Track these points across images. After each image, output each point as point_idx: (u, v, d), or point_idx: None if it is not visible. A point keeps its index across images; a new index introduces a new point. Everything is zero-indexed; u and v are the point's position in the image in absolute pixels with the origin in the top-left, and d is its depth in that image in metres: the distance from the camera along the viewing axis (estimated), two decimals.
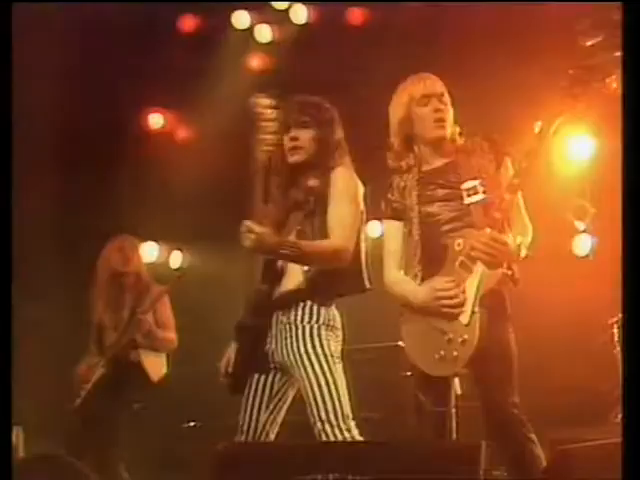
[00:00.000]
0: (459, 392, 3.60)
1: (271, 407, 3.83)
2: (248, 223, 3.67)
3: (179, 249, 7.60)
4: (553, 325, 5.93)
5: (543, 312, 5.69)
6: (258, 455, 3.06)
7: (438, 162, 3.82)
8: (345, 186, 3.81)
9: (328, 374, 3.70)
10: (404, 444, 3.05)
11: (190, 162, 7.05)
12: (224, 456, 2.97)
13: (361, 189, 3.87)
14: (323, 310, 3.78)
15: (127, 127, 7.14)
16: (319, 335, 3.74)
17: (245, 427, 3.82)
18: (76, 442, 5.41)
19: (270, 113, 3.82)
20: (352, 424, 3.69)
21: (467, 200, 3.69)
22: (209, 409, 6.16)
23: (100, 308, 5.76)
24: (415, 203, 3.77)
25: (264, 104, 3.84)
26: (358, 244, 3.84)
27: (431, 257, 3.71)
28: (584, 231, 6.53)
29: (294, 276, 3.79)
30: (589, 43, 5.74)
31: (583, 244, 6.57)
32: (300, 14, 6.88)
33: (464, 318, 3.56)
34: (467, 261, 3.58)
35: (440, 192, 3.77)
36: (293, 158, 3.88)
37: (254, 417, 3.81)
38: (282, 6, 6.94)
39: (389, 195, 3.87)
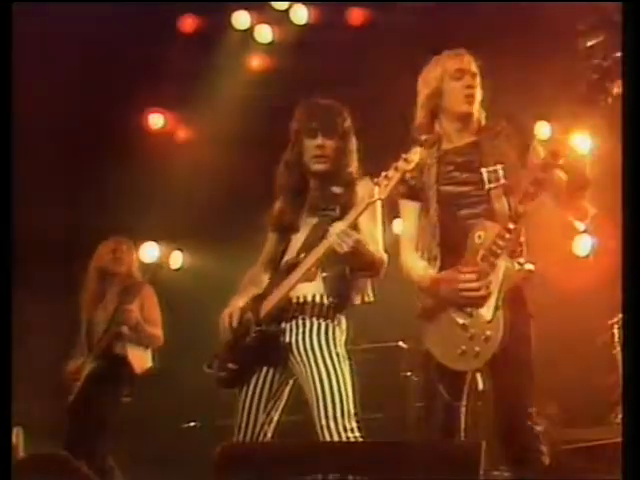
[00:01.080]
0: (481, 387, 3.52)
1: (269, 407, 3.82)
2: (342, 227, 3.59)
3: (179, 249, 7.61)
4: (553, 325, 5.93)
5: (543, 312, 5.69)
6: (257, 455, 3.06)
7: (460, 141, 3.74)
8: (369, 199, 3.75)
9: (339, 371, 3.71)
10: (404, 444, 3.04)
11: (190, 162, 7.05)
12: (224, 456, 2.97)
13: (380, 204, 3.84)
14: (337, 312, 3.82)
15: (127, 127, 7.14)
16: (333, 333, 3.78)
17: (242, 428, 3.80)
18: (72, 439, 5.42)
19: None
20: (355, 425, 3.69)
21: (488, 185, 3.60)
22: (208, 409, 6.16)
23: (90, 306, 5.79)
24: (434, 182, 3.68)
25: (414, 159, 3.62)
26: None
27: (450, 241, 3.62)
28: (584, 231, 6.53)
29: (314, 282, 3.80)
30: (589, 44, 5.74)
31: (583, 244, 6.57)
32: (300, 14, 6.88)
33: (487, 314, 3.48)
34: (489, 255, 3.49)
35: (459, 173, 3.68)
36: (317, 167, 3.87)
37: (252, 418, 3.80)
38: (282, 6, 6.94)
39: (407, 173, 3.73)
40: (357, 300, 3.87)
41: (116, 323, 5.60)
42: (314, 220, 3.87)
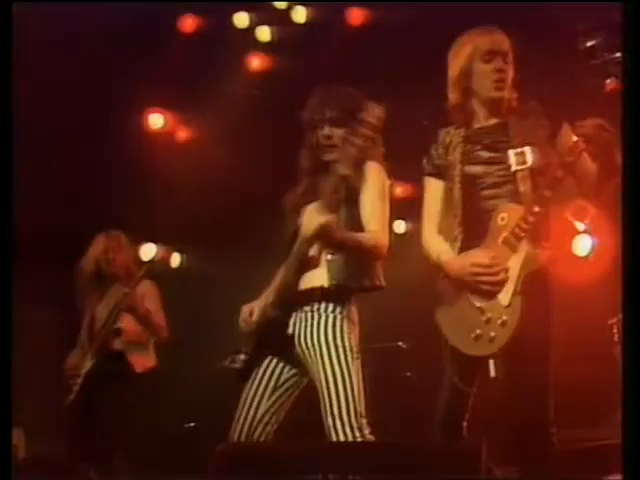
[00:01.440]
0: (493, 375, 3.40)
1: (273, 398, 3.74)
2: (313, 207, 3.58)
3: (178, 249, 7.61)
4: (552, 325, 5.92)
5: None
6: (257, 456, 3.06)
7: (488, 122, 3.65)
8: (378, 181, 3.77)
9: (345, 368, 3.63)
10: (404, 444, 3.04)
11: (190, 162, 7.05)
12: (223, 456, 2.97)
13: (388, 186, 3.84)
14: (345, 303, 3.74)
15: (127, 127, 7.14)
16: (341, 326, 3.69)
17: (242, 417, 3.73)
18: (74, 438, 5.40)
19: (380, 125, 3.63)
20: (364, 422, 3.61)
21: (514, 167, 3.51)
22: (209, 409, 6.17)
23: (91, 301, 5.75)
24: (458, 161, 3.61)
25: (378, 115, 3.61)
26: None
27: (472, 222, 3.55)
28: (584, 231, 6.53)
29: (320, 269, 3.75)
30: (589, 44, 5.73)
31: (583, 244, 6.57)
32: (300, 14, 6.88)
33: (505, 299, 3.39)
34: (512, 238, 3.41)
35: (485, 154, 3.60)
36: (327, 156, 3.85)
37: (254, 405, 3.72)
38: (282, 6, 6.94)
39: (432, 151, 3.71)
40: (366, 283, 3.78)
41: (114, 319, 5.55)
42: (326, 202, 3.74)
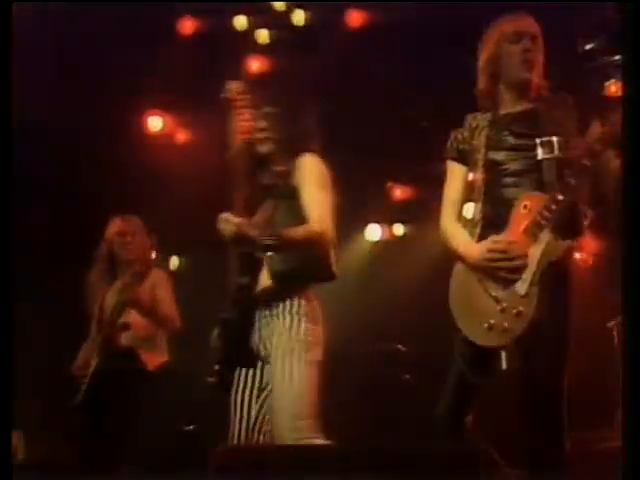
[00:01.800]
0: (504, 367, 3.34)
1: (260, 400, 3.73)
2: (226, 215, 3.65)
3: (177, 253, 7.59)
4: None
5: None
6: (255, 458, 3.05)
7: (516, 107, 3.60)
8: (315, 172, 3.75)
9: (295, 370, 3.60)
10: (403, 447, 3.03)
11: (189, 165, 7.05)
12: (222, 459, 2.96)
13: (329, 177, 3.79)
14: (303, 302, 3.71)
15: (126, 130, 7.14)
16: (298, 327, 3.66)
17: (237, 423, 3.72)
18: (80, 439, 5.34)
19: (243, 99, 3.74)
20: (302, 424, 3.56)
21: (540, 156, 3.45)
22: (207, 411, 6.16)
23: (99, 293, 5.51)
24: (483, 145, 3.55)
25: (237, 89, 3.76)
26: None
27: (494, 208, 3.50)
28: None
29: (265, 268, 3.73)
30: (588, 46, 5.73)
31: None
32: (299, 16, 6.89)
33: (522, 288, 3.33)
34: (534, 227, 3.35)
35: (512, 140, 3.53)
36: (262, 148, 3.85)
37: (245, 412, 3.72)
38: (281, 8, 6.95)
39: (458, 135, 3.66)
40: (315, 273, 3.74)
41: (118, 314, 5.34)
42: (268, 201, 3.82)
